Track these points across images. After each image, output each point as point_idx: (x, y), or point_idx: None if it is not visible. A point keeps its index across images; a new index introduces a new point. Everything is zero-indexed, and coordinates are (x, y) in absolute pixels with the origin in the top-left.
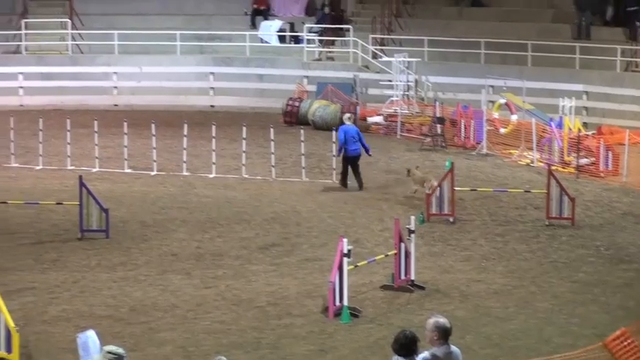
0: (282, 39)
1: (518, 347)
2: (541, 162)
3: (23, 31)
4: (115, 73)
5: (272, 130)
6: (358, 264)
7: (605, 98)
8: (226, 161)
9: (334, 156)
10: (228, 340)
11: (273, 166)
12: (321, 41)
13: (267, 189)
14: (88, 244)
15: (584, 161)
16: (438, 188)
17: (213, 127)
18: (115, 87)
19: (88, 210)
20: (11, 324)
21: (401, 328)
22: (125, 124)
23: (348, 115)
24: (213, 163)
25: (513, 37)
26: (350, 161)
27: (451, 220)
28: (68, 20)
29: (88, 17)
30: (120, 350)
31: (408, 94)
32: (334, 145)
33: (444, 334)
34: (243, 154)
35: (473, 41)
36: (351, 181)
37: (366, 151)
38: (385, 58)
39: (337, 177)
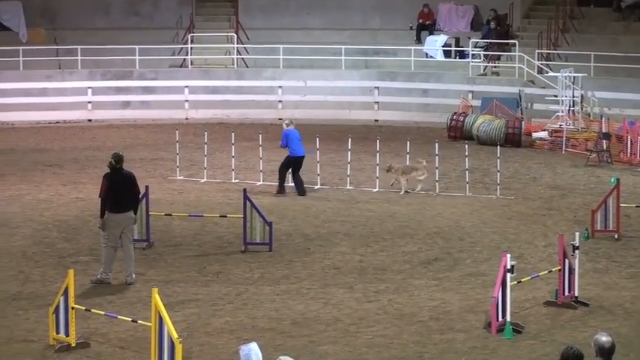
0: (447, 54)
1: None
2: None
3: (190, 45)
4: (279, 87)
5: (436, 144)
6: (521, 279)
7: None
8: (390, 175)
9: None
10: (390, 354)
11: (436, 181)
12: (486, 56)
13: (431, 203)
14: (251, 257)
15: None
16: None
17: (378, 142)
18: (280, 101)
19: (251, 223)
20: (175, 335)
21: (564, 344)
22: None
23: (287, 120)
24: (377, 178)
25: None
26: (294, 162)
27: (616, 236)
28: (234, 34)
29: (253, 31)
30: None
31: (573, 110)
32: (499, 160)
33: (601, 352)
34: None
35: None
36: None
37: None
38: (551, 73)
39: (501, 192)
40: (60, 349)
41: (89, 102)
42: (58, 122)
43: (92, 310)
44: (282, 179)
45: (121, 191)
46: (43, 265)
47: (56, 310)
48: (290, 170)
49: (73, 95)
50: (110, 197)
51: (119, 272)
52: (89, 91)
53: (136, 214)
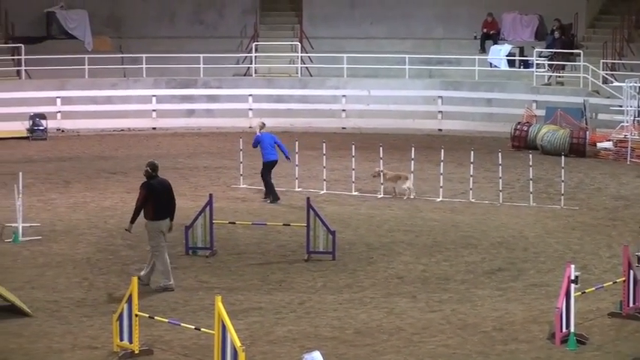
0: (511, 63)
1: None
2: None
3: (254, 54)
4: (343, 96)
5: (500, 154)
6: (585, 290)
7: None
8: (453, 185)
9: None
10: None
11: (500, 191)
12: (550, 66)
13: (494, 213)
14: (314, 266)
15: None
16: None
17: (442, 151)
18: (344, 110)
19: (315, 232)
20: (238, 343)
21: (629, 356)
22: (353, 146)
23: (260, 123)
24: (441, 187)
25: None
26: (269, 167)
27: None
28: (298, 43)
29: (317, 40)
30: None
31: (638, 120)
32: (563, 170)
33: None
34: (471, 179)
35: None
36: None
37: (285, 155)
38: (616, 83)
39: (565, 203)
40: (123, 356)
41: (154, 110)
42: (122, 130)
43: (155, 318)
44: (269, 187)
45: (160, 199)
46: (107, 273)
47: (120, 317)
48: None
49: (137, 103)
50: (150, 205)
51: (183, 280)
52: (154, 99)
53: (172, 220)
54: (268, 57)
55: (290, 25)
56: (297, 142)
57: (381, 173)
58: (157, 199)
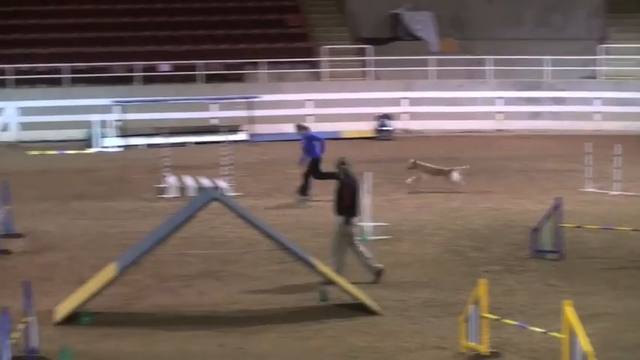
0: None
1: None
2: None
3: (600, 56)
4: None
5: None
6: None
7: None
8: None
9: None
10: None
11: None
12: None
13: None
14: None
15: None
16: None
17: None
18: None
19: None
20: (588, 348)
21: None
22: None
23: (300, 124)
24: None
25: None
26: (314, 164)
27: None
28: None
29: None
30: None
31: None
32: None
33: None
34: None
35: None
36: None
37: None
38: None
39: None
40: (471, 357)
41: (499, 112)
42: (466, 132)
43: (503, 320)
44: (328, 176)
45: (356, 195)
46: (454, 273)
47: (467, 319)
48: (312, 169)
49: (482, 105)
50: (348, 202)
51: (531, 283)
52: (499, 101)
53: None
54: (615, 59)
55: (638, 27)
56: None
57: (418, 164)
58: (353, 196)
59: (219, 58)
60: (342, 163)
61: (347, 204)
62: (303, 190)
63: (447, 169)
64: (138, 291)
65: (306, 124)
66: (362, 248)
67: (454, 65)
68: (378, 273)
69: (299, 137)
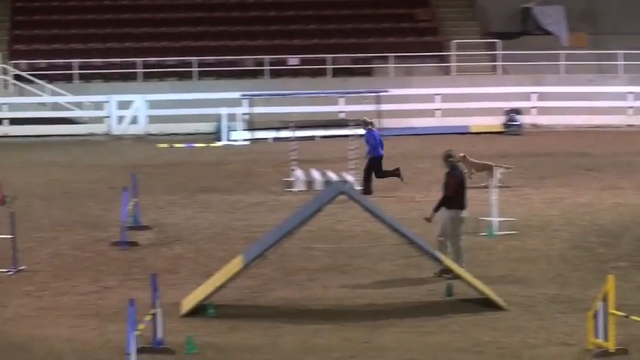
0: None
1: None
2: None
3: None
4: None
5: None
6: None
7: None
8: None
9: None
10: None
11: None
12: None
13: None
14: None
15: None
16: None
17: None
18: None
19: None
20: None
21: None
22: None
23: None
24: None
25: None
26: (378, 162)
27: None
28: None
29: None
30: None
31: None
32: None
33: None
34: None
35: None
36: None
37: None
38: None
39: None
40: (598, 354)
41: (630, 107)
42: (597, 127)
43: (631, 317)
44: (390, 174)
45: (464, 188)
46: (582, 269)
47: (595, 315)
48: (374, 168)
49: (612, 100)
50: (458, 194)
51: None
52: (630, 96)
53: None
54: None
55: None
56: None
57: (466, 160)
58: (461, 189)
59: (348, 52)
60: (448, 157)
61: (453, 196)
62: (367, 190)
63: (493, 164)
64: (263, 284)
65: (370, 120)
66: (461, 243)
67: (584, 60)
68: (443, 272)
69: (363, 133)
